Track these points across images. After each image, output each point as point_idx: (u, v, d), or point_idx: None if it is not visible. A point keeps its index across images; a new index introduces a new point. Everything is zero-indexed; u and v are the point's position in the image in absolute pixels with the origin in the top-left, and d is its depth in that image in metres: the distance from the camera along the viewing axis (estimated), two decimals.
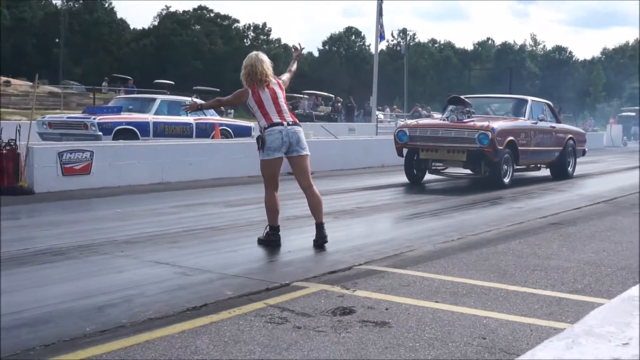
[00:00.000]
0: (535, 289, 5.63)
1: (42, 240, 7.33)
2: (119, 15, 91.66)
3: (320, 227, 7.11)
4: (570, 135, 15.39)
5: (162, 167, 12.99)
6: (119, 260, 6.41)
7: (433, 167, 13.58)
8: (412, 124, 14.13)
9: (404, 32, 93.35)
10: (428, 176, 13.87)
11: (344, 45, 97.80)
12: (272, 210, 7.09)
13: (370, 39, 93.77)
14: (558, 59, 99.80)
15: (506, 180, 12.72)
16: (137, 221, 8.71)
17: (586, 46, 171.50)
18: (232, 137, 17.52)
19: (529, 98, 14.88)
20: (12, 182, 10.77)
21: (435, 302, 5.15)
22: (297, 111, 31.85)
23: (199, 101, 8.03)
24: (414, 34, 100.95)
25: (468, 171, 13.31)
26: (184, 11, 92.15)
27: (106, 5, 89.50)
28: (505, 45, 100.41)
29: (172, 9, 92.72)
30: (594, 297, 5.39)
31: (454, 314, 4.87)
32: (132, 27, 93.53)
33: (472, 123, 12.46)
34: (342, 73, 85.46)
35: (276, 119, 6.96)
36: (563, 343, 1.55)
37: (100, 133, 14.78)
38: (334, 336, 4.31)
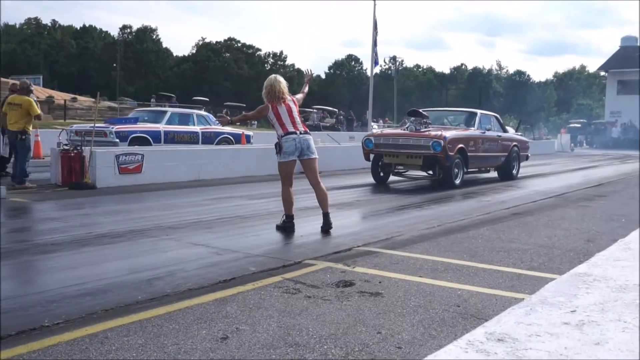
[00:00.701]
0: (500, 266, 5.62)
1: (102, 225, 7.34)
2: (164, 45, 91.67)
3: (326, 216, 7.11)
4: (514, 143, 14.93)
5: (199, 167, 12.99)
6: (164, 242, 6.40)
7: (395, 170, 13.08)
8: (377, 133, 13.75)
9: (394, 58, 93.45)
10: (392, 177, 13.41)
11: (346, 69, 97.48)
12: (287, 202, 7.10)
13: (366, 64, 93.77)
14: (518, 81, 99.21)
15: (457, 181, 12.31)
16: (178, 211, 8.71)
17: (541, 70, 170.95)
18: (233, 144, 16.88)
19: (478, 111, 14.40)
20: (79, 179, 10.79)
21: (419, 276, 5.14)
22: (307, 122, 31.78)
23: (228, 118, 8.05)
24: (402, 61, 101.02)
25: (424, 173, 12.80)
26: (216, 41, 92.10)
27: (154, 36, 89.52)
28: (475, 70, 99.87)
29: (207, 40, 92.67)
30: (547, 273, 5.36)
31: (434, 286, 4.86)
32: (174, 54, 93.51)
33: (427, 132, 12.07)
34: (344, 92, 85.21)
35: (291, 129, 6.97)
36: (523, 310, 1.56)
37: (117, 140, 14.14)
38: (337, 304, 4.31)
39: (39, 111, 10.95)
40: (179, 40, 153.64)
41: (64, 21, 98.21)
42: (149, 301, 4.27)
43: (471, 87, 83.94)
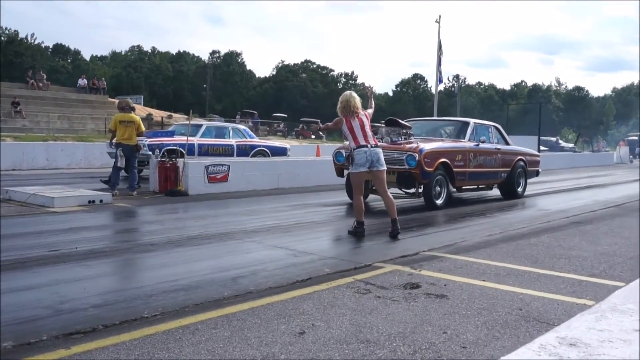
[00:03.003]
0: (561, 272, 5.38)
1: (193, 228, 7.51)
2: (248, 67, 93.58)
3: (394, 222, 7.02)
4: (520, 157, 12.20)
5: (278, 177, 13.13)
6: (248, 244, 6.49)
7: (373, 187, 10.68)
8: (348, 146, 11.46)
9: (457, 76, 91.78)
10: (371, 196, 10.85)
11: (412, 87, 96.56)
12: (358, 209, 7.06)
13: (431, 82, 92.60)
14: (577, 96, 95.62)
15: (439, 202, 9.83)
16: (260, 216, 8.82)
17: (599, 86, 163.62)
18: (269, 156, 15.98)
19: (472, 120, 11.60)
20: (173, 187, 11.12)
21: (483, 280, 4.99)
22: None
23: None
24: (465, 78, 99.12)
25: (408, 191, 10.14)
26: (294, 63, 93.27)
27: (239, 60, 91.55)
28: (535, 86, 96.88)
29: (285, 62, 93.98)
30: (609, 280, 5.10)
31: (497, 290, 4.70)
32: (257, 75, 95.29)
33: (402, 145, 9.68)
34: (410, 108, 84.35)
35: (362, 142, 6.94)
36: (593, 316, 1.47)
37: (150, 153, 13.11)
38: (405, 304, 4.24)
39: (144, 128, 11.54)
40: (261, 63, 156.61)
41: (162, 48, 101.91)
42: (234, 297, 4.32)
43: (531, 102, 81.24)
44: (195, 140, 14.88)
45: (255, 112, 49.73)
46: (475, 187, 11.51)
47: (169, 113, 42.56)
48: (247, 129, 17.52)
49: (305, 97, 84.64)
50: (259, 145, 16.41)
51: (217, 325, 3.67)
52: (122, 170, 11.23)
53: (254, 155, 15.77)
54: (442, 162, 9.78)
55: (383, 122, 10.94)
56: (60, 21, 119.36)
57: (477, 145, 10.84)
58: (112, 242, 6.33)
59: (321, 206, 10.11)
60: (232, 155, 15.29)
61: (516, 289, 4.73)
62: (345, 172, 10.26)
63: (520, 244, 6.81)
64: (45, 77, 36.59)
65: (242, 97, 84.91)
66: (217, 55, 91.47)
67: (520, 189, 12.26)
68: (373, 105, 7.75)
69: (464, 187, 10.95)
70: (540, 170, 13.47)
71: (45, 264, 5.29)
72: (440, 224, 8.50)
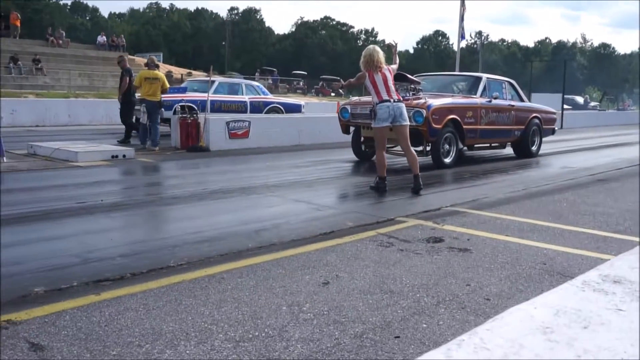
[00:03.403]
0: (585, 228, 5.33)
1: (215, 183, 7.56)
2: (267, 24, 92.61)
3: (416, 177, 6.99)
4: (534, 114, 11.60)
5: (299, 134, 13.10)
6: (270, 199, 6.52)
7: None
8: (353, 102, 10.15)
9: (479, 33, 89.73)
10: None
11: (433, 44, 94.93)
12: (381, 164, 7.03)
13: (452, 39, 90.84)
14: (603, 54, 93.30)
15: (447, 160, 9.37)
16: (282, 171, 8.84)
17: (626, 43, 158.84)
18: (283, 113, 15.63)
19: (484, 75, 10.94)
20: (195, 143, 11.17)
21: (506, 235, 4.97)
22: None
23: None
24: (487, 35, 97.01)
25: (416, 149, 8.56)
26: (313, 20, 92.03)
27: (258, 17, 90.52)
28: (560, 43, 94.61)
29: (305, 19, 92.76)
30: (634, 236, 5.05)
31: (520, 245, 4.68)
32: (276, 32, 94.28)
33: (409, 101, 8.94)
34: (431, 65, 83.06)
35: (385, 97, 6.86)
36: (635, 257, 1.45)
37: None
38: (428, 257, 4.25)
39: (168, 85, 11.71)
40: (280, 20, 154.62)
41: (180, 5, 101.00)
42: (257, 249, 4.37)
43: (555, 60, 79.50)
44: (208, 96, 14.35)
45: (274, 69, 49.42)
46: (488, 145, 11.11)
47: (188, 70, 42.41)
48: (261, 86, 17.14)
49: (324, 55, 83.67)
50: (273, 102, 16.10)
51: (242, 274, 3.72)
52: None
53: (267, 112, 15.46)
54: (451, 119, 9.30)
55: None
56: None
57: (490, 101, 10.26)
58: (136, 195, 6.41)
59: (342, 162, 10.09)
60: (245, 112, 14.95)
61: (540, 244, 4.71)
62: (351, 129, 10.04)
63: (543, 200, 6.75)
64: (64, 34, 36.55)
65: (261, 54, 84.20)
66: (236, 12, 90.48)
67: (534, 148, 11.74)
68: (397, 61, 7.59)
69: (476, 146, 10.58)
70: (556, 128, 12.94)
71: (72, 216, 5.39)
72: (462, 181, 8.44)
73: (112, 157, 9.35)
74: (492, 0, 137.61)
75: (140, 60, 38.40)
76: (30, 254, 4.11)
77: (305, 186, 7.43)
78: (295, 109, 16.75)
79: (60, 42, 34.25)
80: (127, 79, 11.91)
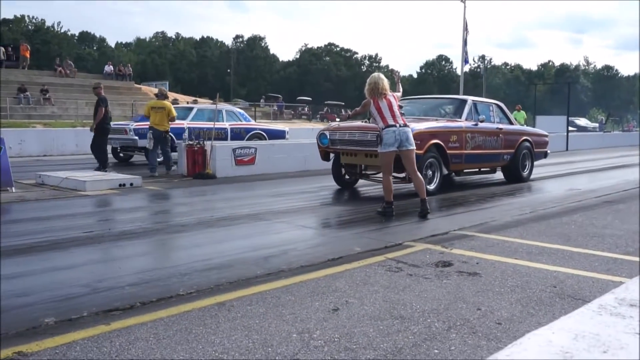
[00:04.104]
0: (595, 250, 5.30)
1: (222, 210, 7.58)
2: (271, 51, 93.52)
3: (423, 202, 7.00)
4: (525, 137, 11.09)
5: (305, 159, 13.13)
6: (277, 225, 6.52)
7: (362, 172, 9.57)
8: (333, 127, 9.68)
9: (482, 57, 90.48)
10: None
11: (436, 69, 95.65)
12: (387, 189, 7.04)
13: (456, 64, 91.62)
14: (606, 75, 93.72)
15: (431, 187, 8.67)
16: (288, 197, 8.85)
17: (628, 65, 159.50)
18: (266, 139, 15.18)
19: (470, 98, 10.46)
20: (201, 170, 11.22)
21: (515, 259, 4.95)
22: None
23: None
24: (491, 59, 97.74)
25: (398, 175, 8.50)
26: (317, 47, 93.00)
27: (262, 44, 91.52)
28: (563, 66, 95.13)
29: (309, 45, 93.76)
30: None
31: (530, 268, 4.66)
32: (280, 59, 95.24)
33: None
34: (435, 90, 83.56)
35: (391, 122, 6.90)
36: None
37: (136, 137, 13.34)
38: (437, 282, 4.23)
39: (175, 113, 11.91)
40: (285, 47, 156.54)
41: (185, 34, 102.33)
42: (266, 276, 4.36)
43: (558, 82, 79.80)
44: (186, 123, 14.08)
45: (279, 96, 49.81)
46: (477, 170, 10.58)
47: (194, 98, 42.77)
48: (243, 112, 16.58)
49: (329, 80, 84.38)
50: (255, 129, 15.69)
51: (251, 302, 3.71)
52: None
53: (249, 139, 14.93)
54: (434, 144, 8.81)
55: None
56: (85, 9, 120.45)
57: (476, 124, 9.79)
58: (144, 224, 6.42)
59: (359, 186, 10.08)
60: (225, 139, 14.49)
61: (549, 267, 4.68)
62: (331, 155, 9.61)
63: (551, 222, 6.72)
64: (73, 64, 37.04)
65: (265, 81, 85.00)
66: (241, 40, 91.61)
67: (526, 172, 11.25)
68: (400, 89, 7.70)
69: (465, 171, 10.12)
70: (548, 151, 12.38)
71: (81, 245, 5.40)
72: (468, 204, 8.42)
73: (120, 185, 9.40)
74: (494, 24, 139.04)
75: (146, 89, 38.85)
76: (40, 285, 4.12)
77: (312, 212, 7.43)
78: (279, 135, 16.29)
79: (68, 72, 34.69)
80: (102, 108, 11.68)
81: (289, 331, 3.21)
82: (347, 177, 9.82)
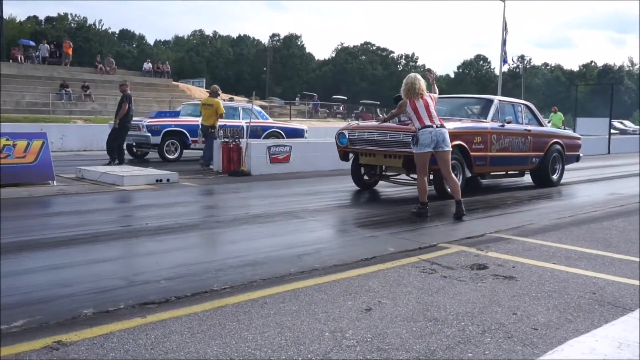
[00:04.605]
0: (637, 257, 5.15)
1: (257, 207, 7.64)
2: (307, 50, 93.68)
3: (458, 203, 6.92)
4: (555, 140, 10.62)
5: (339, 158, 13.09)
6: (311, 223, 6.54)
7: (382, 173, 9.34)
8: (352, 126, 9.47)
9: (521, 57, 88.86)
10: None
11: (474, 69, 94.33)
12: (422, 190, 6.98)
13: (494, 64, 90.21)
14: None
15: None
16: (322, 196, 8.86)
17: None
18: (284, 138, 14.88)
19: (496, 98, 10.12)
20: (237, 167, 11.34)
21: (553, 263, 4.85)
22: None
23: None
24: (530, 59, 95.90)
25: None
26: (353, 45, 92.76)
27: (299, 43, 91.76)
28: (606, 66, 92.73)
29: (345, 44, 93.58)
30: None
31: (568, 273, 4.56)
32: (316, 58, 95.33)
33: (409, 126, 8.01)
34: (472, 90, 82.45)
35: (427, 122, 6.85)
36: None
37: (149, 134, 13.47)
38: (472, 285, 4.18)
39: (223, 110, 12.47)
40: (321, 46, 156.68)
41: (223, 32, 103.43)
42: (299, 274, 4.37)
43: (601, 83, 77.83)
44: (200, 120, 13.55)
45: (314, 94, 49.88)
46: (504, 173, 10.21)
47: (230, 96, 43.17)
48: (261, 110, 16.33)
49: (364, 79, 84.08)
50: (272, 127, 15.41)
51: (284, 299, 3.73)
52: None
53: (266, 137, 14.83)
54: (456, 145, 8.36)
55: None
56: (125, 7, 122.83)
57: (502, 125, 9.38)
58: (180, 219, 6.51)
59: (383, 187, 10.05)
60: (242, 137, 14.06)
61: (589, 273, 4.58)
62: (351, 155, 9.39)
63: (592, 227, 6.57)
64: (114, 62, 37.79)
65: (301, 79, 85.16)
66: (277, 38, 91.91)
67: (555, 176, 10.72)
68: (437, 90, 7.63)
69: (492, 173, 9.77)
70: (581, 155, 11.76)
71: (119, 238, 5.51)
72: (505, 207, 8.29)
73: (157, 181, 9.56)
74: (534, 24, 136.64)
75: (184, 86, 39.36)
76: (80, 276, 4.22)
77: (346, 211, 7.43)
78: (297, 133, 16.07)
79: (108, 68, 35.41)
80: (127, 105, 11.94)
81: (321, 330, 3.21)
82: (365, 177, 9.59)
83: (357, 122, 10.52)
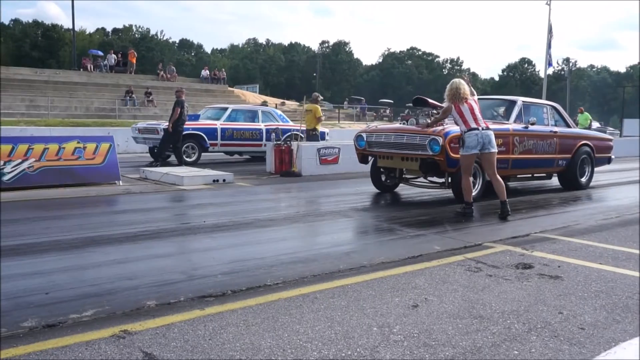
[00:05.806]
0: None
1: (307, 206, 7.69)
2: (355, 56, 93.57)
3: (503, 204, 6.78)
4: (584, 142, 9.99)
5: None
6: (359, 222, 6.53)
7: (403, 176, 8.99)
8: (370, 129, 9.25)
9: (567, 60, 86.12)
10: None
11: (519, 72, 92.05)
12: (467, 190, 6.88)
13: (539, 66, 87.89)
14: None
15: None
16: (369, 195, 8.81)
17: None
18: (304, 140, 13.79)
19: (520, 99, 9.40)
20: (288, 168, 11.42)
21: (599, 263, 4.69)
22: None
23: (426, 122, 7.86)
24: (576, 61, 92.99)
25: (437, 180, 8.53)
26: (400, 51, 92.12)
27: (347, 49, 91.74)
28: None
29: (391, 50, 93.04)
30: None
31: (616, 274, 4.40)
32: (364, 63, 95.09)
33: (428, 128, 7.85)
34: (516, 93, 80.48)
35: (473, 125, 6.73)
36: None
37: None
38: (517, 283, 4.08)
39: (321, 114, 13.47)
40: (368, 51, 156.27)
41: (275, 40, 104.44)
42: (348, 270, 4.37)
43: None
44: (218, 124, 13.83)
45: (362, 98, 49.70)
46: (530, 175, 9.55)
47: (282, 100, 43.53)
48: (281, 113, 15.86)
49: (410, 84, 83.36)
50: (291, 129, 14.59)
51: (334, 295, 3.73)
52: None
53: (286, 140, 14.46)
54: None
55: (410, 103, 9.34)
56: (184, 18, 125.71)
57: (526, 127, 8.79)
58: (235, 217, 6.60)
59: (428, 187, 9.92)
60: (260, 139, 14.25)
61: (637, 274, 4.40)
62: (370, 158, 9.05)
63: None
64: (174, 69, 38.71)
65: (349, 84, 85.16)
66: (326, 45, 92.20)
67: (584, 179, 10.12)
68: (474, 92, 7.41)
69: (518, 176, 9.26)
70: (612, 157, 11.06)
71: (178, 235, 5.64)
72: (550, 207, 8.06)
73: (214, 181, 9.73)
74: (579, 26, 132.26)
75: (239, 91, 39.93)
76: (143, 270, 4.34)
77: (393, 210, 7.37)
78: (319, 136, 15.13)
79: (169, 76, 36.29)
80: (179, 109, 12.04)
81: (369, 324, 3.20)
82: (384, 180, 9.23)
83: (375, 125, 10.30)
